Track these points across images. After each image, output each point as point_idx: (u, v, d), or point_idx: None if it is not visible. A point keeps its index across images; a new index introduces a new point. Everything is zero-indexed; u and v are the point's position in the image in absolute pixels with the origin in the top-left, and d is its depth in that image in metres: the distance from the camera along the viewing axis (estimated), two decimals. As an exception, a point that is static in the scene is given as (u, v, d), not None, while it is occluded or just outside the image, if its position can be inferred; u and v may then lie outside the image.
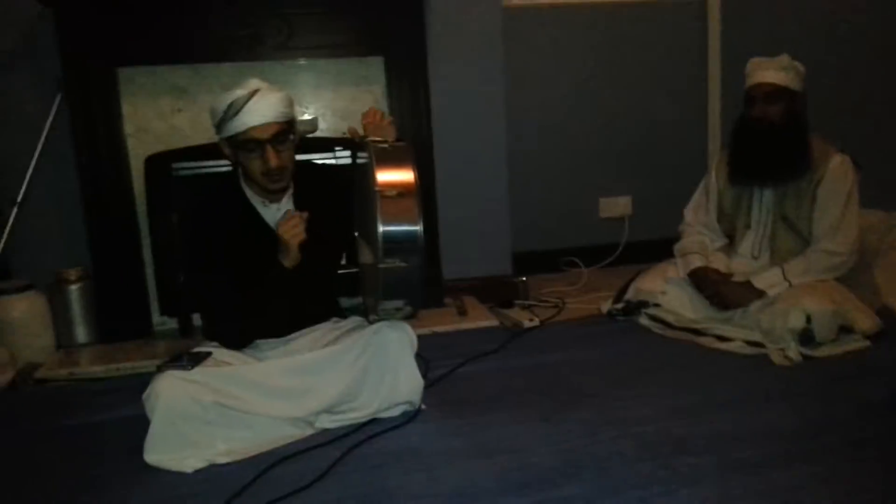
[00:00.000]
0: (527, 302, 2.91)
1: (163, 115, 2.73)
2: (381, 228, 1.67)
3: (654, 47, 3.48)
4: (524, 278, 3.02)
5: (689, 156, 3.51)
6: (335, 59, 2.81)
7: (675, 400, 1.92)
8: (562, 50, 3.41)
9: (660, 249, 2.74)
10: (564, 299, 2.94)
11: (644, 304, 2.53)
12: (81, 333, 2.65)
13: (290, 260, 1.83)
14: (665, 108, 3.52)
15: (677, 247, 2.63)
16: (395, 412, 1.88)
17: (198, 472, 1.66)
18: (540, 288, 3.07)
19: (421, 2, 2.74)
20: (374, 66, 2.83)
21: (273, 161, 1.82)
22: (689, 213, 2.66)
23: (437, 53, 2.84)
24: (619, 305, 2.62)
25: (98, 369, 2.42)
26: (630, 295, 2.59)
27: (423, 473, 1.61)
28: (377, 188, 1.69)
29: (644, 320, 2.53)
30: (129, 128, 2.70)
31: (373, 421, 1.85)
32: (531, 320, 2.64)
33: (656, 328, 2.49)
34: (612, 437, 1.73)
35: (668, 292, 2.50)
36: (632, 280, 2.64)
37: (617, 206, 3.55)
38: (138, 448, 1.67)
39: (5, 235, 2.60)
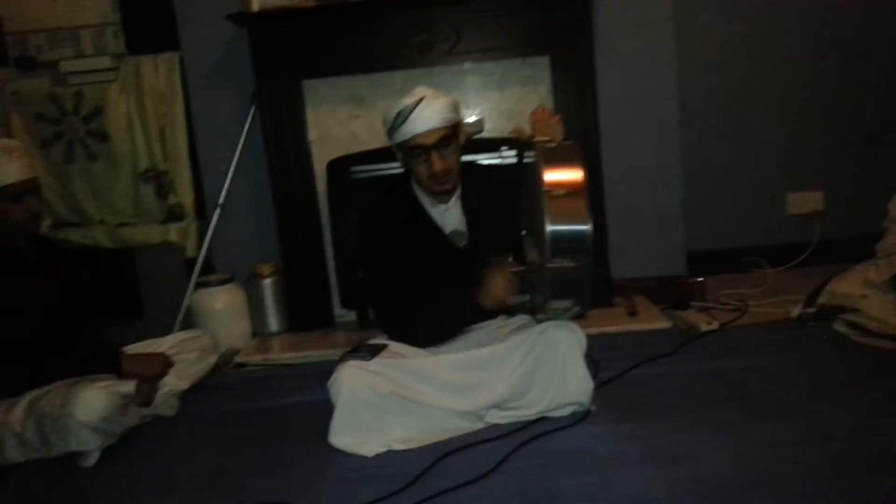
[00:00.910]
0: (704, 304, 2.75)
1: (342, 122, 2.92)
2: (549, 228, 1.66)
3: (841, 26, 3.15)
4: (701, 279, 2.86)
5: (889, 144, 3.14)
6: (501, 61, 2.85)
7: (875, 414, 1.74)
8: (740, 35, 3.18)
9: (856, 249, 2.47)
10: (747, 302, 2.74)
11: (840, 309, 2.30)
12: (273, 323, 2.91)
13: (488, 305, 1.90)
14: (860, 93, 3.17)
15: (879, 246, 2.37)
16: (565, 412, 1.87)
17: (377, 456, 1.76)
18: (719, 289, 2.88)
19: (588, -3, 2.71)
20: (540, 66, 2.83)
21: (437, 165, 1.89)
22: (893, 208, 2.38)
23: (605, 48, 2.78)
24: (812, 310, 2.40)
25: (287, 356, 2.65)
26: (824, 299, 2.37)
27: (594, 476, 1.58)
28: (545, 188, 1.69)
29: (840, 327, 2.30)
30: (312, 135, 2.91)
31: (542, 419, 1.85)
32: (709, 323, 2.49)
33: (854, 335, 2.25)
34: (801, 452, 1.59)
35: (868, 296, 2.25)
36: (826, 282, 2.41)
37: (807, 201, 3.25)
38: (324, 430, 1.80)
39: (210, 235, 2.93)
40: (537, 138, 1.81)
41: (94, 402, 1.84)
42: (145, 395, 2.04)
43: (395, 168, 2.68)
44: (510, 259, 2.15)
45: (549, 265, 1.67)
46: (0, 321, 1.90)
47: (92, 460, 1.88)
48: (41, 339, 1.98)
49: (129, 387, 1.97)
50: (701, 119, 3.13)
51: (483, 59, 2.83)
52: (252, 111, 2.87)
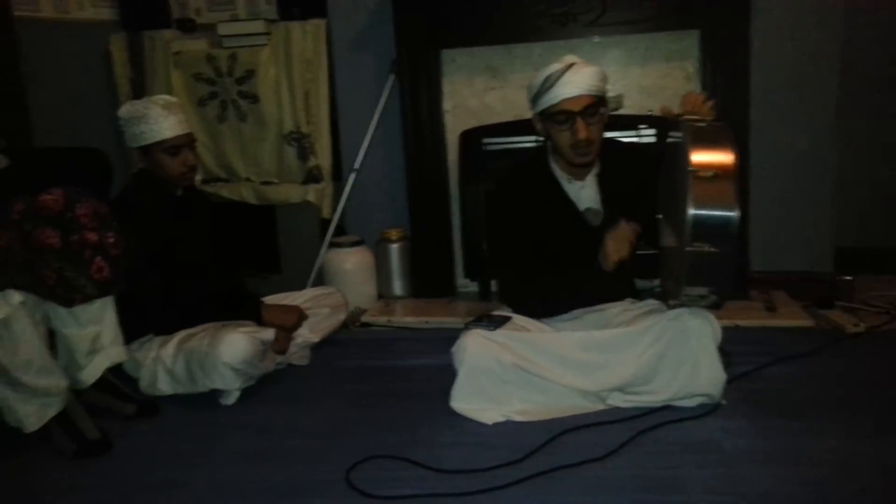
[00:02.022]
0: (850, 304, 2.56)
1: (477, 93, 2.92)
2: (691, 211, 1.60)
3: None
4: (849, 277, 2.66)
5: None
6: (646, 35, 2.74)
7: None
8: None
9: None
10: (898, 306, 2.54)
11: None
12: (398, 286, 3.00)
13: (609, 266, 1.87)
14: None
15: None
16: (692, 403, 1.81)
17: (496, 425, 1.79)
18: (868, 290, 2.67)
19: (747, -32, 2.54)
20: (688, 41, 2.71)
21: (582, 133, 1.85)
22: None
23: (761, 22, 2.61)
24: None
25: (410, 320, 2.73)
26: None
27: (722, 469, 1.53)
28: (691, 168, 1.62)
29: None
30: (447, 105, 2.93)
31: (667, 407, 1.81)
32: (855, 325, 2.33)
33: None
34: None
35: None
36: None
37: (980, 201, 2.94)
38: (444, 394, 1.85)
39: (345, 198, 3.05)
40: (686, 117, 1.73)
41: (237, 346, 1.97)
42: (282, 343, 2.17)
43: (527, 142, 2.68)
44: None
45: (689, 249, 1.61)
46: (158, 253, 2.07)
47: (232, 399, 2.03)
48: (191, 280, 2.15)
49: (268, 334, 2.10)
50: (859, 106, 2.87)
51: (628, 32, 2.73)
52: (391, 79, 2.93)
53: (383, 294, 2.99)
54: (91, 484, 1.64)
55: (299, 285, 2.79)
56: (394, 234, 2.98)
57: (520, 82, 2.79)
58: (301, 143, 3.16)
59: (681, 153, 1.69)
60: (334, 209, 3.10)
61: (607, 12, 2.66)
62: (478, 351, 1.82)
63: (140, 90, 3.26)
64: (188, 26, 3.27)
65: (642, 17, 2.66)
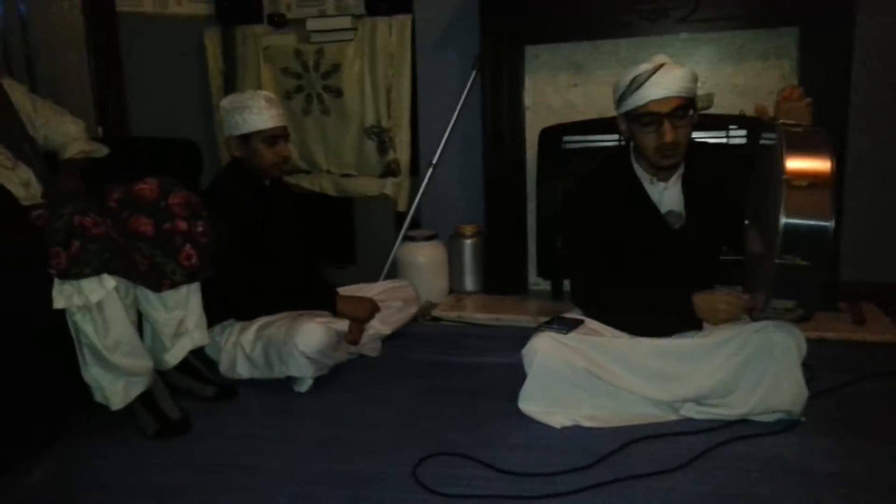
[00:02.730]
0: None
1: (560, 89, 2.88)
2: (783, 220, 1.52)
3: None
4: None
5: None
6: (740, 31, 2.63)
7: None
8: None
9: None
10: None
11: None
12: (469, 282, 3.00)
13: (708, 320, 1.82)
14: None
15: None
16: (770, 418, 1.74)
17: (564, 429, 1.77)
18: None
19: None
20: (786, 38, 2.58)
21: (669, 136, 1.79)
22: None
23: (866, 22, 2.45)
24: None
25: (481, 316, 2.72)
26: None
27: (802, 490, 1.46)
28: (785, 175, 1.54)
29: None
30: (528, 101, 2.90)
31: (743, 422, 1.74)
32: (955, 344, 2.17)
33: None
34: None
35: None
36: None
37: None
38: (513, 394, 1.84)
39: (421, 192, 3.07)
40: (782, 121, 1.65)
41: (313, 335, 2.02)
42: (355, 334, 2.21)
43: (608, 141, 2.62)
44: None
45: (778, 260, 1.54)
46: (243, 241, 2.15)
47: (306, 386, 2.09)
48: (272, 269, 2.22)
49: (343, 325, 2.15)
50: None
51: (721, 29, 2.62)
52: (473, 75, 2.93)
53: (455, 289, 3.00)
54: (169, 462, 1.71)
55: (373, 277, 2.84)
56: (468, 229, 2.98)
57: (604, 79, 2.74)
58: (381, 136, 3.20)
59: (774, 159, 1.61)
60: (410, 203, 3.13)
61: (700, 8, 2.57)
62: (549, 353, 1.80)
63: (231, 83, 3.38)
64: (279, 21, 3.36)
65: (737, 13, 2.56)
